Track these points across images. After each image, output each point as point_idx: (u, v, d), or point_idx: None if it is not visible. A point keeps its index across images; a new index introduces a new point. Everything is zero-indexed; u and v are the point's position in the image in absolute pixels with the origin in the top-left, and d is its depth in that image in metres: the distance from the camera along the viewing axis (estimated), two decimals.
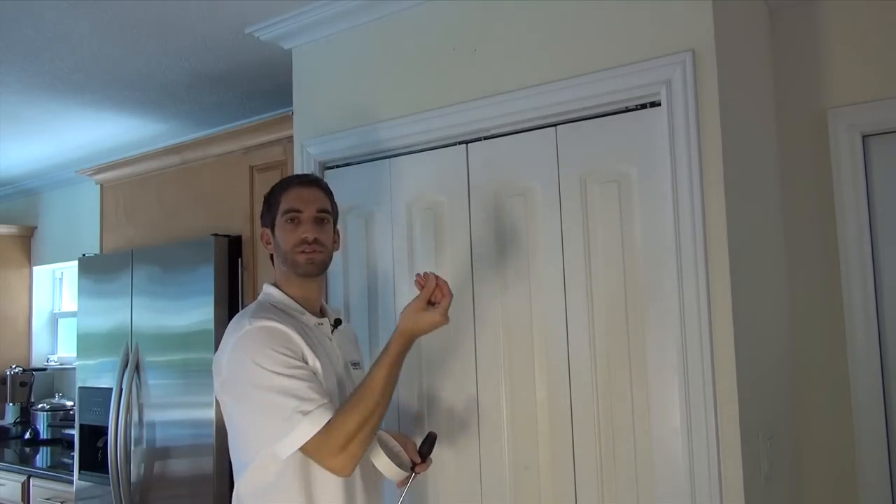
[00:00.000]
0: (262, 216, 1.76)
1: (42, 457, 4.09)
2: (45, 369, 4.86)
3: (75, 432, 3.40)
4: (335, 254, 1.76)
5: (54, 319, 5.13)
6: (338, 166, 2.38)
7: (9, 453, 4.19)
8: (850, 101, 2.12)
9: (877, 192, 2.11)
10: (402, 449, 1.70)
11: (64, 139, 3.92)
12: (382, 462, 1.60)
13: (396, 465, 1.61)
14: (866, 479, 2.06)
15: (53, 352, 5.07)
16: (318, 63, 2.45)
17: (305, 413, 1.46)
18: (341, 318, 1.78)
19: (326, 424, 1.46)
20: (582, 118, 1.88)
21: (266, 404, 1.48)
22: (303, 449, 1.47)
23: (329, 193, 1.75)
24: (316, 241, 1.66)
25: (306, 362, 1.55)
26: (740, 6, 1.96)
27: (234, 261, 2.91)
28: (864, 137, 2.12)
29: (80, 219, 4.66)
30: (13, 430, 4.65)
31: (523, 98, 1.94)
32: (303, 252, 1.65)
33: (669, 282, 1.72)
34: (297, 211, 1.66)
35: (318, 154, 2.39)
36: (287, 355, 1.51)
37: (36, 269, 5.08)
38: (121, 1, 2.29)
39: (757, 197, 1.99)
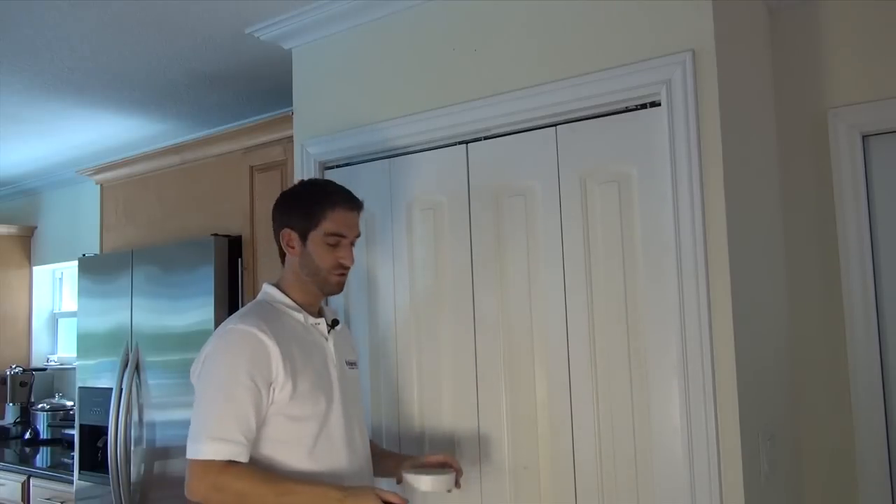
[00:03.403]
0: (291, 218, 1.71)
1: (42, 457, 4.09)
2: (45, 369, 4.86)
3: (75, 432, 3.40)
4: None
5: (54, 319, 5.13)
6: (338, 166, 2.38)
7: (9, 453, 4.19)
8: (850, 101, 2.12)
9: (877, 192, 2.11)
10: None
11: (64, 139, 3.92)
12: (432, 484, 1.67)
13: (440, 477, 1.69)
14: (866, 479, 2.06)
15: (53, 352, 5.07)
16: (318, 63, 2.45)
17: (213, 438, 1.50)
18: (339, 318, 1.81)
19: (221, 463, 1.49)
20: (582, 118, 1.88)
21: (202, 405, 1.56)
22: (190, 462, 1.51)
23: None
24: (348, 267, 1.72)
25: (277, 376, 1.57)
26: (740, 6, 1.96)
27: (234, 261, 2.91)
28: (864, 137, 2.12)
29: (80, 219, 4.66)
30: (13, 430, 4.64)
31: (523, 98, 1.94)
32: (339, 275, 1.70)
33: (669, 282, 1.72)
34: (343, 236, 1.69)
35: (318, 154, 2.39)
36: (248, 373, 1.54)
37: (36, 269, 5.08)
38: (121, 1, 2.29)
39: (757, 197, 1.99)
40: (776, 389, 2.01)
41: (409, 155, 2.20)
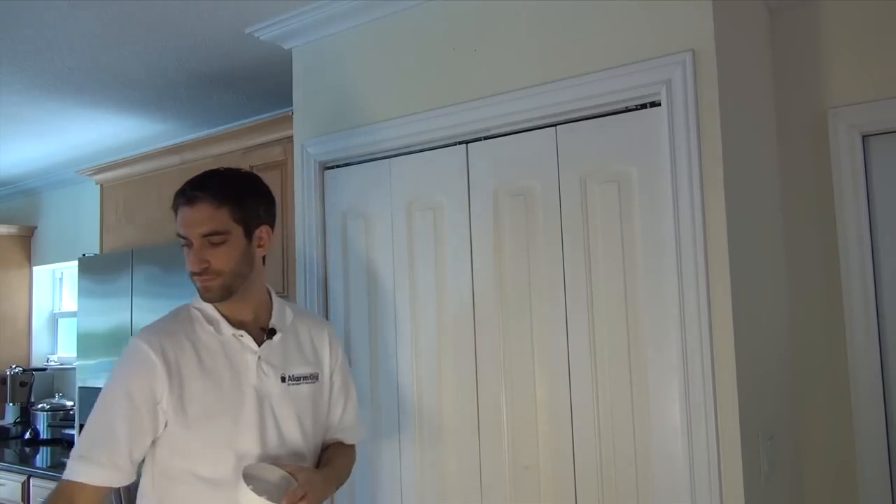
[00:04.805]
0: None
1: (42, 457, 4.08)
2: (45, 369, 4.86)
3: (75, 432, 3.40)
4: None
5: (54, 319, 5.13)
6: (338, 166, 2.38)
7: (9, 453, 4.19)
8: (850, 101, 2.12)
9: (877, 192, 2.11)
10: (285, 479, 1.46)
11: (64, 139, 3.92)
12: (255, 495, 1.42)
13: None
14: (866, 479, 2.06)
15: (53, 352, 5.08)
16: (318, 63, 2.45)
17: (77, 457, 1.41)
18: (276, 328, 1.58)
19: (79, 484, 1.39)
20: (582, 118, 1.88)
21: (88, 422, 1.46)
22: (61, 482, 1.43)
23: (229, 199, 1.48)
24: (205, 269, 1.47)
25: (161, 398, 1.44)
26: (740, 6, 1.96)
27: None
28: (864, 137, 2.12)
29: (80, 219, 4.67)
30: (13, 430, 4.65)
31: (523, 98, 1.94)
32: (199, 281, 1.49)
33: (669, 282, 1.72)
34: (184, 237, 1.49)
35: (318, 154, 2.39)
36: (127, 392, 1.43)
37: (36, 269, 5.08)
38: (121, 1, 2.29)
39: (757, 197, 1.99)
40: (776, 389, 2.01)
41: (409, 155, 2.20)
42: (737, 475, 1.62)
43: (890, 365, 2.07)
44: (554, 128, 1.93)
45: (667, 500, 1.71)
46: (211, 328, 1.53)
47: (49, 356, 5.04)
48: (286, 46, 2.53)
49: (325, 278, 2.37)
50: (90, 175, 3.71)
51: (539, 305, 1.92)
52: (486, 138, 2.05)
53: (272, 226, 1.59)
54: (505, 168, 2.01)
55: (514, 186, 1.99)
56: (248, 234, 1.52)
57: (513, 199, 1.98)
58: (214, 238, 1.46)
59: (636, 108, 1.81)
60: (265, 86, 3.10)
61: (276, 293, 1.67)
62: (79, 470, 1.40)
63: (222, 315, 1.54)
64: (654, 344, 1.75)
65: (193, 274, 1.49)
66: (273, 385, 1.55)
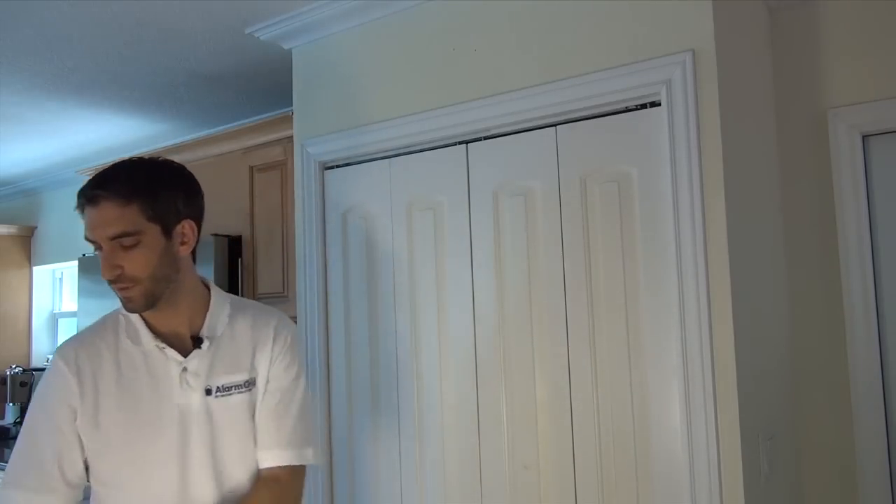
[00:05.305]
0: None
1: None
2: (45, 369, 4.85)
3: None
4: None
5: (54, 319, 5.13)
6: (338, 166, 2.38)
7: (9, 453, 4.18)
8: (850, 101, 2.12)
9: (877, 192, 2.11)
10: None
11: (64, 139, 3.92)
12: None
13: None
14: (866, 479, 2.06)
15: (53, 352, 5.07)
16: (318, 63, 2.45)
17: (6, 483, 1.33)
18: (203, 336, 1.41)
19: None
20: (582, 118, 1.88)
21: (15, 447, 1.38)
22: None
23: (137, 194, 1.31)
24: (119, 276, 1.32)
25: (78, 416, 1.34)
26: (740, 6, 1.96)
27: (234, 261, 2.91)
28: (864, 137, 2.12)
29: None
30: (13, 430, 4.64)
31: (523, 98, 1.94)
32: (117, 289, 1.35)
33: (669, 282, 1.72)
34: (92, 241, 1.32)
35: (318, 154, 2.39)
36: (47, 409, 1.34)
37: (36, 269, 5.08)
38: (121, 1, 2.29)
39: (757, 197, 1.99)
40: (776, 389, 2.01)
41: (409, 155, 2.20)
42: (737, 475, 1.62)
43: (890, 365, 2.07)
44: (554, 128, 1.93)
45: (667, 500, 1.71)
46: (128, 342, 1.39)
47: (49, 356, 5.03)
48: (286, 46, 2.53)
49: (325, 278, 2.37)
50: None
51: (539, 305, 1.92)
52: (486, 138, 2.05)
53: (197, 219, 1.42)
54: (505, 168, 2.01)
55: (514, 186, 1.99)
56: (167, 232, 1.34)
57: (513, 199, 1.98)
58: (125, 240, 1.30)
59: (636, 108, 1.81)
60: (265, 86, 3.10)
61: (229, 292, 1.54)
62: (11, 497, 1.31)
63: (147, 324, 1.39)
64: (654, 344, 1.75)
65: (109, 282, 1.33)
66: (198, 400, 1.37)
